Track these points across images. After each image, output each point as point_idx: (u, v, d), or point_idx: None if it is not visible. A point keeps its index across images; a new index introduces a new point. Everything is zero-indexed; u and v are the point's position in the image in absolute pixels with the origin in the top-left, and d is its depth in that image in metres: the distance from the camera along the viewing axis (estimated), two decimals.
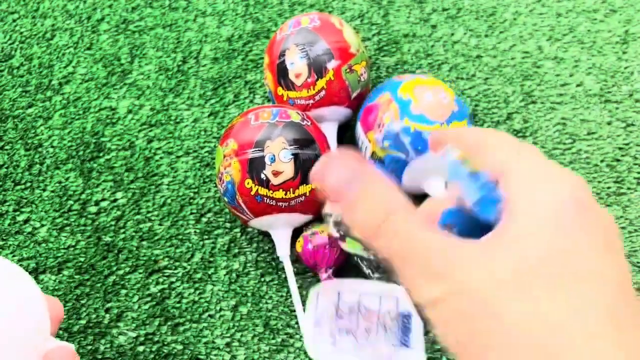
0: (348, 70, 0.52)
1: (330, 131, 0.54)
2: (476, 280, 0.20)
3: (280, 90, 0.53)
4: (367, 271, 0.48)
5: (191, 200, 0.55)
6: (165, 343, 0.49)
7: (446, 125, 0.47)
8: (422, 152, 0.48)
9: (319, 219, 0.52)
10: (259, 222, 0.49)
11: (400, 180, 0.49)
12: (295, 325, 0.49)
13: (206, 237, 0.53)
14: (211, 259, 0.52)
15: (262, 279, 0.51)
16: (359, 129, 0.52)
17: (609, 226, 0.22)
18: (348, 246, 0.48)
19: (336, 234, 0.47)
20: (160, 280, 0.51)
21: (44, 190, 0.56)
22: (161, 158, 0.57)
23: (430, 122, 0.47)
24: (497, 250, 0.20)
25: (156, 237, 0.53)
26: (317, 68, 0.51)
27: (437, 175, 0.49)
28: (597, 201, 0.23)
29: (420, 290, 0.21)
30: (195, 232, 0.54)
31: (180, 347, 0.48)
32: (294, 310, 0.49)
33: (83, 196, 0.56)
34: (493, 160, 0.24)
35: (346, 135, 0.56)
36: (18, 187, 0.57)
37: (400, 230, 0.22)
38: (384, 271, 0.48)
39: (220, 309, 0.50)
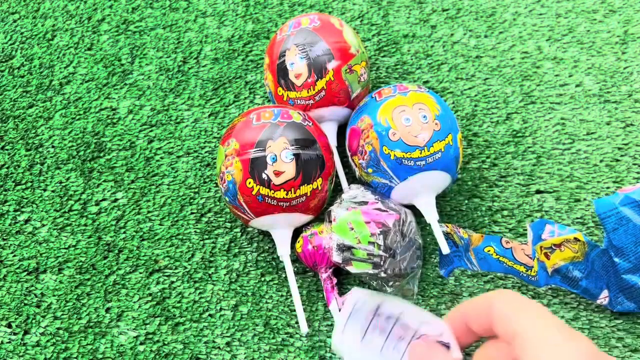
0: (348, 70, 0.52)
1: (330, 131, 0.54)
2: None
3: (280, 91, 0.53)
4: (378, 287, 0.49)
5: (191, 200, 0.55)
6: (166, 343, 0.49)
7: (427, 149, 0.47)
8: (405, 177, 0.48)
9: (319, 219, 0.52)
10: (260, 222, 0.49)
11: (389, 197, 0.50)
12: (296, 325, 0.49)
13: (206, 236, 0.53)
14: (211, 259, 0.52)
15: (262, 279, 0.51)
16: (347, 148, 0.53)
17: None
18: (356, 268, 0.48)
19: (339, 260, 0.48)
20: (161, 280, 0.52)
21: (45, 190, 0.56)
22: (162, 158, 0.58)
23: (410, 149, 0.47)
24: None
25: (157, 237, 0.54)
26: (317, 68, 0.52)
27: (426, 193, 0.50)
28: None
29: None
30: (195, 231, 0.54)
31: (180, 346, 0.49)
32: (294, 310, 0.49)
33: (84, 196, 0.56)
34: (504, 330, 0.29)
35: (345, 136, 0.56)
36: (19, 187, 0.57)
37: None
38: (395, 284, 0.49)
39: (221, 309, 0.50)
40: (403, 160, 0.48)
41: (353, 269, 0.47)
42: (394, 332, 0.37)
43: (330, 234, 0.48)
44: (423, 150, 0.47)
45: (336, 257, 0.47)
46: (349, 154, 0.52)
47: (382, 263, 0.47)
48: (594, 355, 0.26)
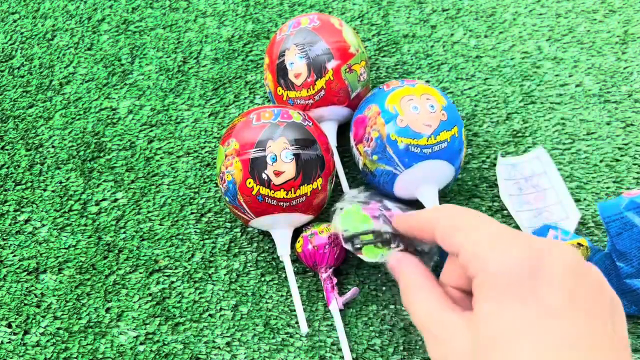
0: (347, 70, 0.52)
1: (330, 131, 0.54)
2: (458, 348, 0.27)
3: (280, 90, 0.53)
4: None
5: (191, 200, 0.55)
6: (166, 343, 0.49)
7: (433, 138, 0.47)
8: (410, 165, 0.48)
9: (319, 219, 0.52)
10: (260, 222, 0.49)
11: (392, 190, 0.50)
12: (296, 325, 0.49)
13: (206, 236, 0.53)
14: (211, 259, 0.52)
15: (262, 279, 0.51)
16: (351, 139, 0.52)
17: (563, 280, 0.24)
18: (367, 254, 0.47)
19: (350, 247, 0.47)
20: (161, 280, 0.52)
21: (45, 190, 0.56)
22: (162, 158, 0.58)
23: (418, 136, 0.47)
24: (467, 327, 0.27)
25: (156, 237, 0.54)
26: (316, 68, 0.52)
27: (429, 184, 0.49)
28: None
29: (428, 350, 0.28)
30: (195, 231, 0.54)
31: (180, 346, 0.49)
32: (294, 310, 0.49)
33: (84, 196, 0.56)
34: (449, 249, 0.29)
35: (345, 135, 0.56)
36: (19, 187, 0.57)
37: (414, 306, 0.31)
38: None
39: (221, 309, 0.50)
40: (409, 147, 0.47)
41: (365, 257, 0.45)
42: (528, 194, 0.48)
43: (336, 226, 0.46)
44: (430, 138, 0.47)
45: (346, 246, 0.45)
46: (353, 143, 0.51)
47: (391, 239, 0.45)
48: (533, 257, 0.25)
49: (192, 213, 0.55)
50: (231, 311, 0.50)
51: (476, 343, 0.25)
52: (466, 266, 0.27)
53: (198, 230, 0.54)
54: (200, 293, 0.51)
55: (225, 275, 0.52)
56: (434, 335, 0.28)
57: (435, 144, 0.47)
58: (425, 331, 0.29)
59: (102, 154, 0.58)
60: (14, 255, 0.53)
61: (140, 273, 0.52)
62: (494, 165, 0.56)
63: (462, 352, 0.26)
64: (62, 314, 0.50)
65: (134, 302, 0.51)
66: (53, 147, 0.59)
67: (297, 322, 0.49)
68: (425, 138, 0.47)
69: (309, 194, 0.48)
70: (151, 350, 0.48)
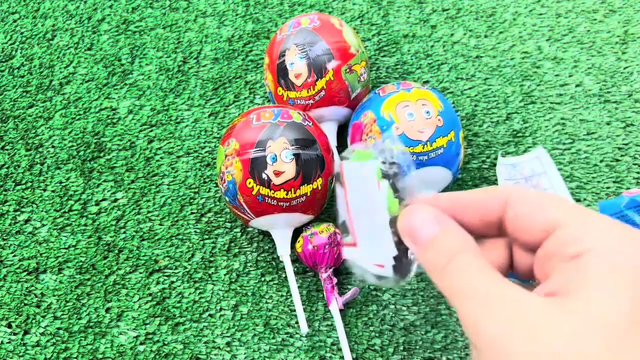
0: (348, 70, 0.52)
1: (330, 131, 0.54)
2: (554, 347, 0.20)
3: (280, 91, 0.53)
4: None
5: (191, 200, 0.55)
6: (166, 343, 0.49)
7: (429, 145, 0.47)
8: (406, 172, 0.48)
9: (319, 219, 0.52)
10: (260, 222, 0.49)
11: None
12: (296, 325, 0.49)
13: (206, 236, 0.53)
14: (211, 259, 0.52)
15: (262, 279, 0.51)
16: (348, 145, 0.52)
17: None
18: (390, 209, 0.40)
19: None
20: (161, 280, 0.52)
21: (45, 190, 0.56)
22: (162, 158, 0.58)
23: (413, 143, 0.47)
24: (575, 313, 0.21)
25: (156, 237, 0.54)
26: (317, 68, 0.52)
27: (427, 189, 0.49)
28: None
29: (478, 329, 0.22)
30: (195, 231, 0.54)
31: (180, 346, 0.49)
32: (294, 310, 0.49)
33: (84, 196, 0.56)
34: (536, 221, 0.24)
35: (345, 136, 0.56)
36: (19, 187, 0.57)
37: (464, 270, 0.23)
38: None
39: (221, 309, 0.50)
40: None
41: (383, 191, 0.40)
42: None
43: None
44: (425, 145, 0.47)
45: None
46: None
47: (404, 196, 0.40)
48: None
49: (192, 213, 0.55)
50: (231, 311, 0.50)
51: (591, 332, 0.20)
52: (566, 242, 0.22)
53: (198, 230, 0.54)
54: (200, 293, 0.51)
55: (225, 275, 0.52)
56: (508, 316, 0.21)
57: (432, 150, 0.48)
58: (491, 310, 0.21)
59: (102, 154, 0.58)
60: (14, 255, 0.53)
61: (140, 273, 0.52)
62: (494, 165, 0.56)
63: (557, 341, 0.20)
64: (62, 314, 0.50)
65: (134, 302, 0.51)
66: (53, 147, 0.59)
67: (297, 322, 0.49)
68: (421, 145, 0.47)
69: (309, 194, 0.48)
70: (151, 350, 0.48)
